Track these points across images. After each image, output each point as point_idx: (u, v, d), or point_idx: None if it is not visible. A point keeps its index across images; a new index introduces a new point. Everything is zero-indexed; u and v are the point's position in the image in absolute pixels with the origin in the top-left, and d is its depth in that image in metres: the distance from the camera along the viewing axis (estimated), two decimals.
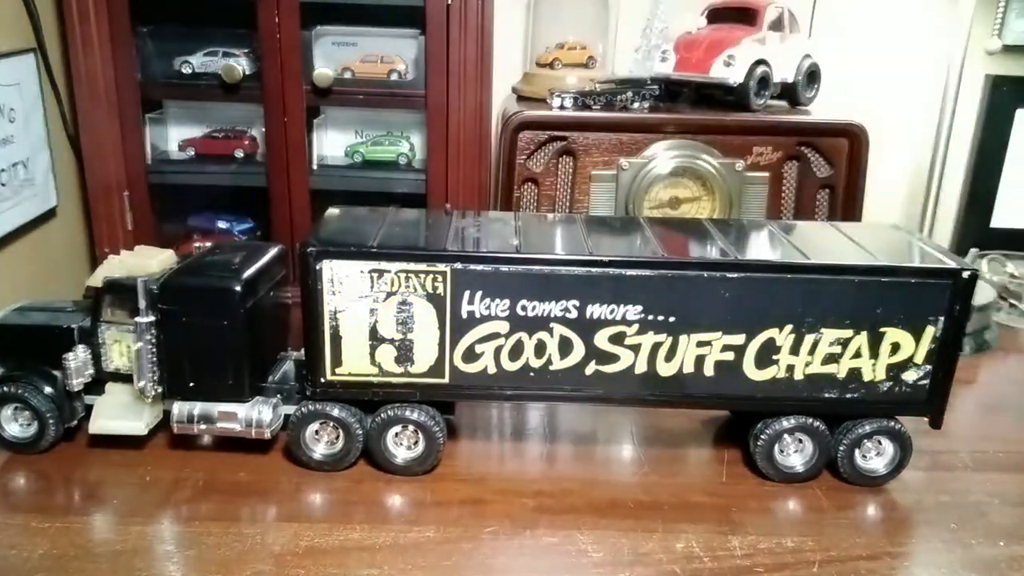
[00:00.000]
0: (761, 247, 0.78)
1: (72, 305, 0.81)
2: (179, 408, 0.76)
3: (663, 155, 1.05)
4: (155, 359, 0.75)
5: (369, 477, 0.77)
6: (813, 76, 1.13)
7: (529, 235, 0.78)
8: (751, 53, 1.05)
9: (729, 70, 1.05)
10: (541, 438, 0.85)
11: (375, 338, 0.73)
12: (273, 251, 0.81)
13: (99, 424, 0.77)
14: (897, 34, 1.28)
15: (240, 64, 1.12)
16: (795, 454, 0.77)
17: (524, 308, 0.72)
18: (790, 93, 1.12)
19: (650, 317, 0.72)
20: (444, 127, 1.13)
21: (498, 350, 0.73)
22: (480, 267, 0.71)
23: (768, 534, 0.71)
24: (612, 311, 0.72)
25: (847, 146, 1.06)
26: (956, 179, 1.29)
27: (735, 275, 0.71)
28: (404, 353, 0.73)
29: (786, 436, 0.76)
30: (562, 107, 1.05)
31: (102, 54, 1.10)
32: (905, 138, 1.33)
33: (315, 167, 1.19)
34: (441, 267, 0.71)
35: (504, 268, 0.71)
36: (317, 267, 0.71)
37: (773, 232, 0.81)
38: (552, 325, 0.72)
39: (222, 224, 1.24)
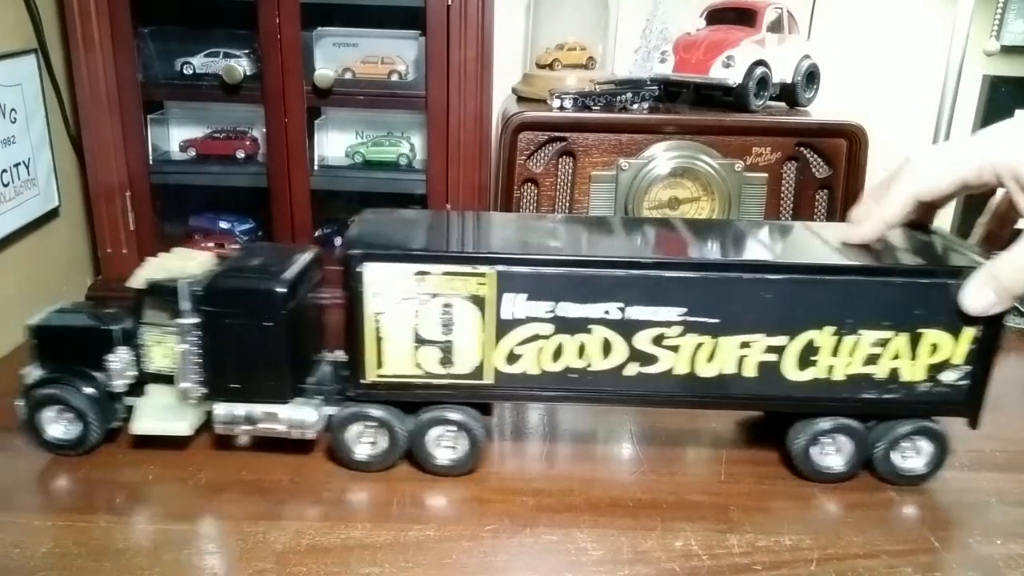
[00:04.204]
0: (800, 248, 0.79)
1: (112, 307, 0.81)
2: (222, 409, 0.76)
3: (662, 156, 1.05)
4: (198, 360, 0.75)
5: (369, 477, 0.77)
6: (812, 77, 1.13)
7: (569, 237, 0.79)
8: (750, 54, 1.05)
9: (728, 71, 1.05)
10: (541, 437, 0.86)
11: (417, 340, 0.73)
12: (310, 254, 0.82)
13: (143, 425, 0.77)
14: (896, 35, 1.29)
15: (241, 65, 1.13)
16: (833, 454, 0.77)
17: (567, 310, 0.72)
18: (789, 94, 1.12)
19: (692, 319, 0.72)
20: (444, 128, 1.13)
21: (540, 352, 0.73)
22: (524, 269, 0.71)
23: (766, 532, 0.71)
24: (654, 312, 0.72)
25: (846, 147, 1.07)
26: None
27: (778, 277, 0.71)
28: (446, 355, 0.73)
29: (824, 437, 0.77)
30: (562, 108, 1.06)
31: (103, 55, 1.10)
32: (904, 139, 1.34)
33: (316, 167, 1.20)
34: (485, 269, 0.71)
35: (547, 270, 0.71)
36: (359, 269, 0.71)
37: (808, 233, 0.81)
38: (594, 327, 0.72)
39: (223, 224, 1.25)
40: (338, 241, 1.27)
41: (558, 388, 0.75)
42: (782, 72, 1.09)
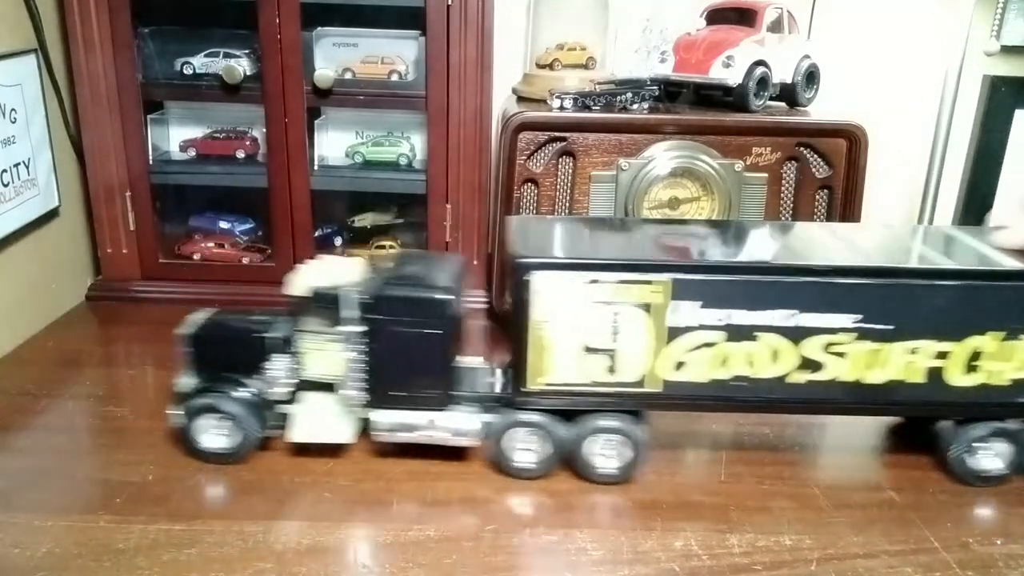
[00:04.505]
0: (965, 254, 0.79)
1: (263, 314, 0.81)
2: (381, 416, 0.77)
3: (662, 156, 1.05)
4: (362, 368, 0.75)
5: (370, 477, 0.77)
6: (812, 77, 1.13)
7: (736, 243, 0.79)
8: (750, 54, 1.05)
9: (728, 71, 1.05)
10: None
11: (586, 348, 0.73)
12: (459, 261, 0.82)
13: (302, 433, 0.77)
14: (896, 35, 1.29)
15: (241, 65, 1.13)
16: (992, 458, 0.78)
17: (738, 317, 0.72)
18: (789, 94, 1.12)
19: (863, 325, 0.73)
20: (444, 128, 1.13)
21: (708, 359, 0.74)
22: (697, 276, 0.71)
23: (766, 532, 0.71)
24: (825, 319, 0.72)
25: (846, 147, 1.07)
26: (954, 180, 1.30)
27: (951, 282, 0.72)
28: (613, 363, 0.74)
29: (984, 441, 0.77)
30: (562, 108, 1.06)
31: (103, 55, 1.10)
32: (904, 139, 1.34)
33: (316, 167, 1.20)
34: (658, 277, 0.71)
35: (721, 277, 0.71)
36: (528, 278, 0.71)
37: (962, 238, 0.82)
38: (764, 334, 0.73)
39: (223, 224, 1.25)
40: (338, 241, 1.28)
41: (724, 396, 0.75)
42: (782, 72, 1.09)
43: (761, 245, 0.80)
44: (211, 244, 1.22)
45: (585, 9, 1.20)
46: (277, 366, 0.76)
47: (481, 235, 1.18)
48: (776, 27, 1.09)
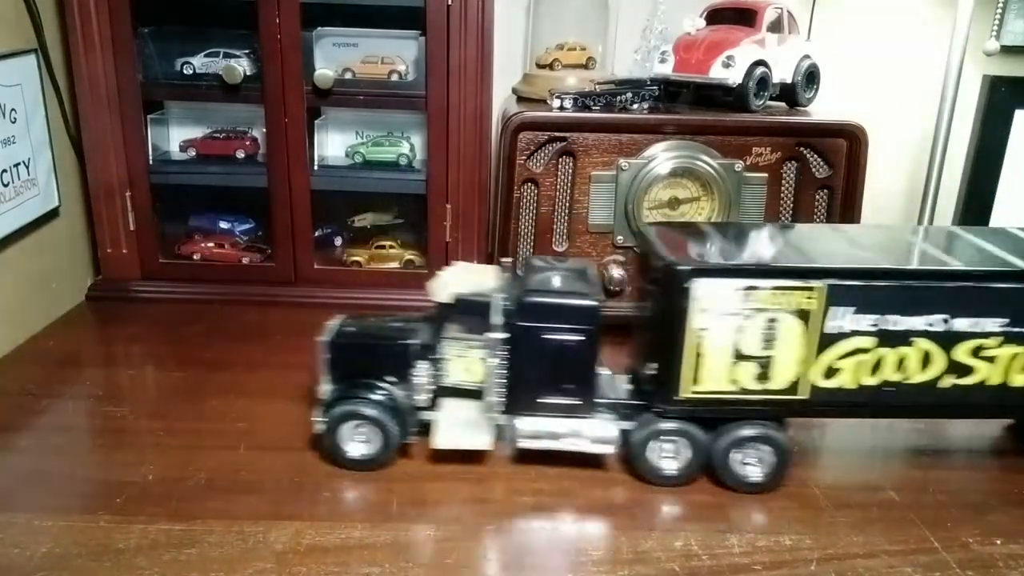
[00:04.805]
0: None
1: (399, 320, 0.82)
2: (524, 423, 0.77)
3: (662, 156, 1.05)
4: (505, 375, 0.76)
5: (370, 477, 0.77)
6: (812, 77, 1.13)
7: (881, 249, 0.79)
8: (750, 54, 1.05)
9: (728, 71, 1.05)
10: None
11: (737, 355, 0.73)
12: (589, 266, 0.82)
13: (445, 440, 0.77)
14: (895, 35, 1.29)
15: (241, 65, 1.13)
16: None
17: (891, 323, 0.73)
18: (789, 94, 1.12)
19: (1010, 329, 0.73)
20: (444, 128, 1.13)
21: (859, 365, 0.74)
22: (854, 282, 0.72)
23: (766, 532, 0.71)
24: (976, 324, 0.73)
25: (846, 147, 1.07)
26: (954, 180, 1.30)
27: None
28: (764, 370, 0.74)
29: None
30: (562, 108, 1.06)
31: (103, 55, 1.10)
32: (903, 138, 1.34)
33: (316, 168, 1.20)
34: (816, 283, 0.71)
35: (877, 283, 0.72)
36: (687, 285, 0.71)
37: None
38: (916, 339, 0.73)
39: (223, 224, 1.25)
40: (338, 241, 1.28)
41: (872, 402, 0.75)
42: (782, 72, 1.09)
43: (904, 250, 0.81)
44: (211, 244, 1.22)
45: (585, 9, 1.20)
46: (421, 372, 0.76)
47: (481, 235, 1.18)
48: (776, 27, 1.09)
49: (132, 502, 0.72)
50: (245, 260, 1.21)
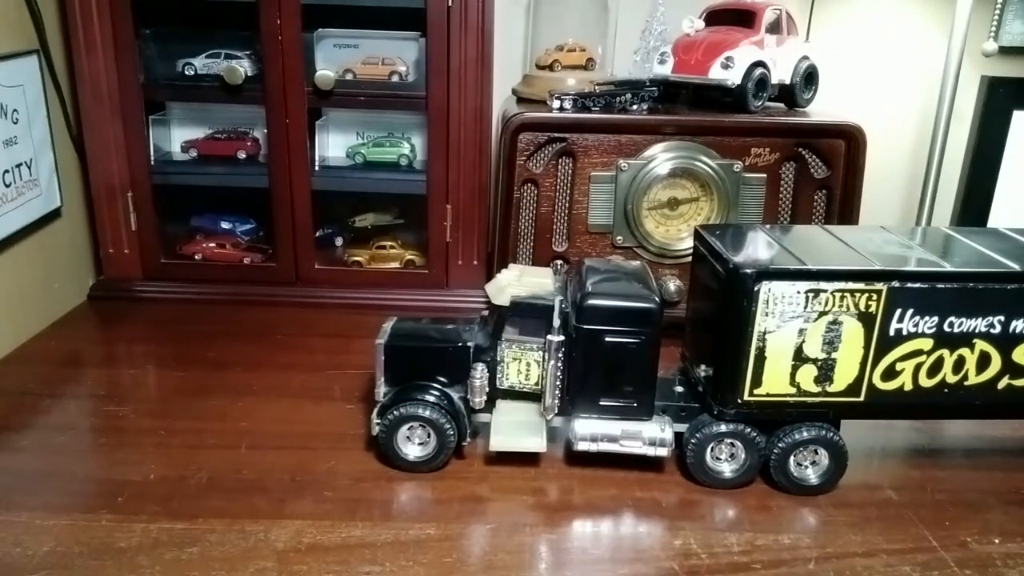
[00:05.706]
0: None
1: (451, 322, 0.82)
2: (583, 426, 0.77)
3: (662, 156, 1.05)
4: (564, 378, 0.76)
5: (370, 476, 0.77)
6: (811, 78, 1.13)
7: (939, 250, 0.79)
8: (749, 55, 1.05)
9: (727, 72, 1.05)
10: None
11: (799, 358, 0.74)
12: (644, 268, 0.82)
13: (501, 442, 0.77)
14: (894, 36, 1.29)
15: (242, 66, 1.13)
16: None
17: (951, 324, 0.73)
18: (788, 95, 1.12)
19: None
20: (444, 128, 1.14)
21: (918, 367, 0.74)
22: (915, 285, 0.72)
23: (765, 531, 0.71)
24: None
25: (844, 147, 1.07)
26: (952, 180, 1.30)
27: None
28: (824, 372, 0.74)
29: None
30: (562, 109, 1.06)
31: (105, 56, 1.11)
32: (902, 139, 1.34)
33: (316, 168, 1.20)
34: (878, 285, 0.72)
35: (939, 285, 0.72)
36: (755, 288, 0.71)
37: None
38: (975, 341, 0.74)
39: (224, 225, 1.25)
40: (339, 241, 1.28)
41: (930, 403, 0.76)
42: (781, 73, 1.10)
43: (962, 252, 0.81)
44: (212, 244, 1.23)
45: (585, 10, 1.20)
46: (480, 375, 0.76)
47: (481, 235, 1.18)
48: (775, 28, 1.09)
49: (133, 501, 0.73)
50: (246, 260, 1.22)
